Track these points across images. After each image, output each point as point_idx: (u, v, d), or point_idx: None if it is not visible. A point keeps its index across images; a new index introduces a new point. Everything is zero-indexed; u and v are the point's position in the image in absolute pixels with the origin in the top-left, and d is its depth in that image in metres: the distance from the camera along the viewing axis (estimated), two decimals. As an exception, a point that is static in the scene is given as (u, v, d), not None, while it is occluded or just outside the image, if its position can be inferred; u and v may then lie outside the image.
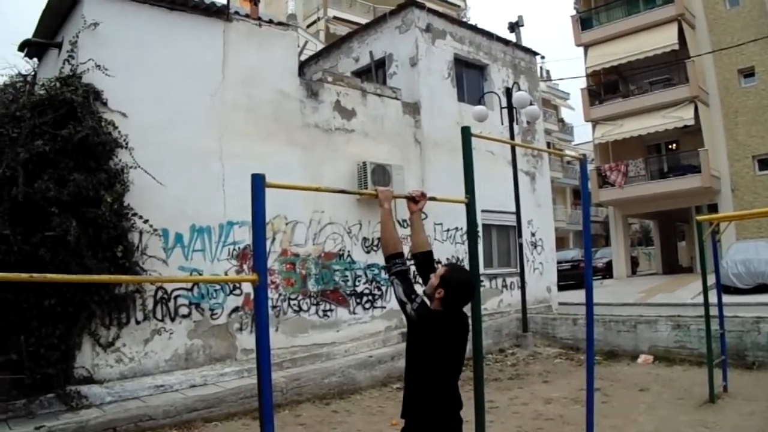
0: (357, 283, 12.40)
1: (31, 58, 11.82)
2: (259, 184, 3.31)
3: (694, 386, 9.54)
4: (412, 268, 3.76)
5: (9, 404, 7.82)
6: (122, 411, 8.19)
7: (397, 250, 3.78)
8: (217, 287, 10.30)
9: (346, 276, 12.20)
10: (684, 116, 27.70)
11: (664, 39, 28.24)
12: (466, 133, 4.78)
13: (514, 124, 14.77)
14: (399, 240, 3.84)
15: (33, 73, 11.52)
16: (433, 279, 3.74)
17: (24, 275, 2.76)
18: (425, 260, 4.12)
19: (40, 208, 8.26)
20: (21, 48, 11.10)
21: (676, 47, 27.97)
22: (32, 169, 8.40)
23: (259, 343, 3.36)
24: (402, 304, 3.67)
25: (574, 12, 33.00)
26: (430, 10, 15.38)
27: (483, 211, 13.50)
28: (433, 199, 4.39)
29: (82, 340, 8.77)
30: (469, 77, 16.07)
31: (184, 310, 9.90)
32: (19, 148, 8.35)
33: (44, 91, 9.12)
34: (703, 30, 29.24)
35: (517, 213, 14.28)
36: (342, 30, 28.47)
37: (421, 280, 3.99)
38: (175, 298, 9.82)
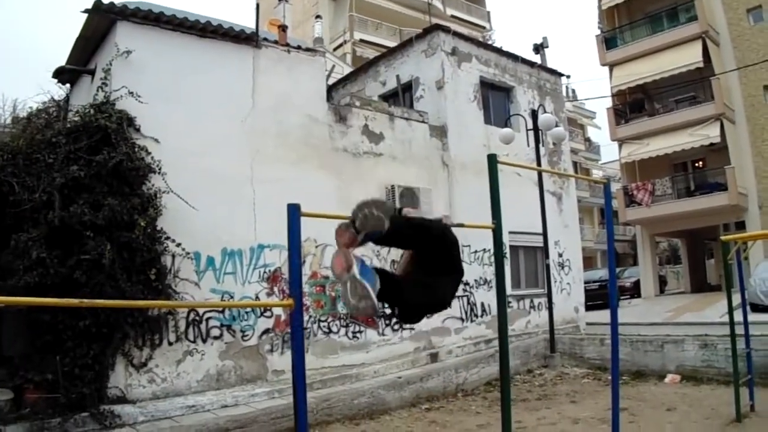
0: (386, 305, 12.38)
1: (64, 84, 12.12)
2: (294, 213, 3.43)
3: (721, 405, 9.48)
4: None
5: (45, 422, 7.96)
6: (155, 430, 8.31)
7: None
8: (248, 309, 10.45)
9: (375, 298, 12.15)
10: (710, 134, 27.56)
11: (689, 57, 28.19)
12: (492, 161, 4.87)
13: (540, 145, 14.86)
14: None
15: (66, 98, 11.81)
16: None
17: (74, 300, 2.92)
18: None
19: (76, 232, 8.45)
20: (55, 75, 11.41)
21: (701, 65, 27.90)
22: (68, 194, 8.62)
23: (295, 365, 3.47)
24: None
25: (598, 32, 33.06)
26: (456, 34, 15.54)
27: (510, 232, 13.55)
28: (461, 225, 4.50)
29: (115, 360, 8.92)
30: (495, 99, 16.15)
31: (215, 332, 10.03)
32: (55, 173, 8.60)
33: (79, 117, 9.34)
34: (728, 47, 29.15)
35: (544, 234, 14.31)
36: (368, 53, 28.70)
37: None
38: (207, 320, 9.95)
